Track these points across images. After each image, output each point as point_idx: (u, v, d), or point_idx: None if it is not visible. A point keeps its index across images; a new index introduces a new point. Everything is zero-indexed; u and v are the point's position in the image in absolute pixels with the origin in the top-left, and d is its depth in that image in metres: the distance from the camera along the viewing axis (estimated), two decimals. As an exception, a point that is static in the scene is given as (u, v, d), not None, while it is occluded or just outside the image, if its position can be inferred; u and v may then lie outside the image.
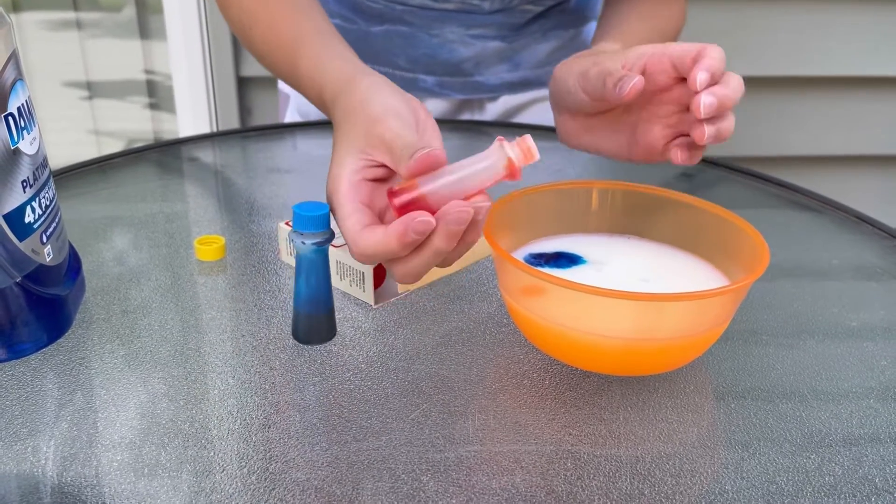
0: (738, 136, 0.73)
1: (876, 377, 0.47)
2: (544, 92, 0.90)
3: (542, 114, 0.90)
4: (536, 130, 0.84)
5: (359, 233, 0.43)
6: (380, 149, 0.45)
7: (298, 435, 0.40)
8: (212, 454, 0.39)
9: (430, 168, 0.43)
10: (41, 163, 0.45)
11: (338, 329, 0.49)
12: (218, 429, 0.41)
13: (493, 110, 0.90)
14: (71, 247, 0.51)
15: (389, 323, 0.50)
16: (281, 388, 0.44)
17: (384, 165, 0.46)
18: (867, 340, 0.51)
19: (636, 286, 0.48)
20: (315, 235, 0.45)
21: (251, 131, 0.87)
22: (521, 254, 0.52)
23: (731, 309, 0.45)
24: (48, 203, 0.46)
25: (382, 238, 0.42)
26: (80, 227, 0.61)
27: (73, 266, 0.50)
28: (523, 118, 0.91)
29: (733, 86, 0.49)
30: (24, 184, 0.43)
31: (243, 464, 0.38)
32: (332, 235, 0.46)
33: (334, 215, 0.46)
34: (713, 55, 0.49)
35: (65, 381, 0.44)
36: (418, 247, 0.43)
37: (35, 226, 0.44)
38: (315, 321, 0.47)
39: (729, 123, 0.50)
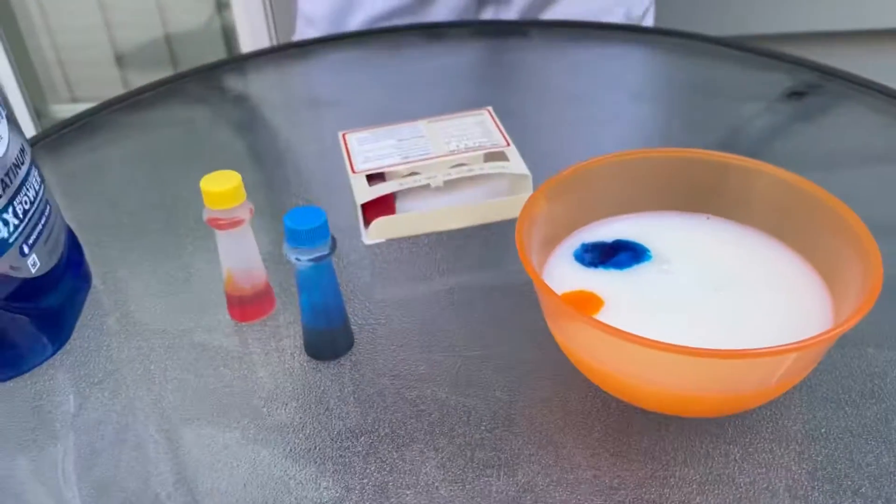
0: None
1: None
2: None
3: (576, 5, 0.77)
4: (567, 28, 0.72)
5: None
6: None
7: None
8: (227, 462, 0.36)
9: None
10: (13, 163, 0.40)
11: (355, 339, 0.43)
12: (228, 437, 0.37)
13: (520, 2, 0.77)
14: (70, 237, 0.46)
15: (405, 323, 0.44)
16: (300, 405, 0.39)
17: None
18: None
19: (706, 297, 0.39)
20: (313, 251, 0.38)
21: (310, 45, 0.79)
22: (573, 242, 0.43)
23: (821, 353, 0.35)
24: (27, 206, 0.41)
25: None
26: (101, 181, 0.57)
27: (73, 260, 0.46)
28: (555, 13, 0.78)
29: None
30: (-10, 197, 0.38)
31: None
32: (332, 247, 0.39)
33: None
34: None
35: (80, 388, 0.41)
36: None
37: (11, 240, 0.40)
38: (325, 336, 0.42)
39: None
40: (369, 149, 0.53)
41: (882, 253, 0.35)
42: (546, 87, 0.69)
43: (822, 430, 0.37)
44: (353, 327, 0.44)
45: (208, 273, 0.49)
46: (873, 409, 0.38)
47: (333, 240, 0.39)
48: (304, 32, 0.83)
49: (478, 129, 0.55)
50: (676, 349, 0.32)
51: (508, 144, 0.53)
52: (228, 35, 1.56)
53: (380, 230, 0.50)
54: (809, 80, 0.65)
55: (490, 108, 0.57)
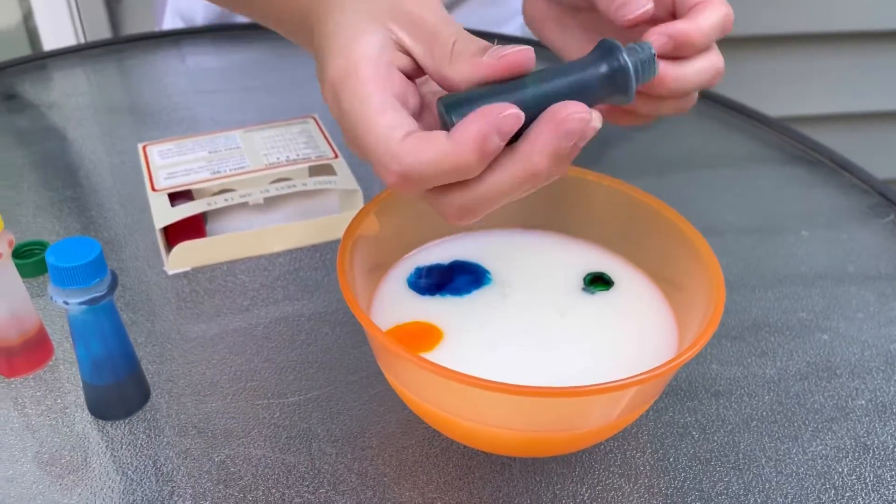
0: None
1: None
2: None
3: (482, 8, 0.73)
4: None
5: (402, 141, 0.28)
6: (410, 32, 0.30)
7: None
8: None
9: (507, 73, 0.28)
10: None
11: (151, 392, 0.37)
12: None
13: None
14: None
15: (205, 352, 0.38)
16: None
17: (410, 55, 0.30)
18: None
19: (550, 323, 0.36)
20: (85, 292, 0.31)
21: (122, 42, 0.70)
22: (408, 265, 0.39)
23: (662, 386, 0.33)
24: None
25: (447, 147, 0.27)
26: None
27: None
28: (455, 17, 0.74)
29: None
30: None
31: None
32: (112, 285, 0.32)
33: (347, 113, 0.29)
34: (709, 18, 0.33)
35: None
36: (496, 163, 0.28)
37: None
38: (111, 392, 0.35)
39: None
40: (174, 162, 0.46)
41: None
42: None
43: (671, 460, 0.35)
44: (149, 377, 0.37)
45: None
46: (719, 432, 0.36)
47: (113, 276, 0.32)
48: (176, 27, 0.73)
49: (302, 138, 0.49)
50: (511, 389, 0.28)
51: (336, 156, 0.48)
52: (34, 39, 1.40)
53: (183, 257, 0.43)
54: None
55: (316, 116, 0.52)
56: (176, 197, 0.44)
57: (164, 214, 0.42)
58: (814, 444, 0.36)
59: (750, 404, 0.38)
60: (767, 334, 0.42)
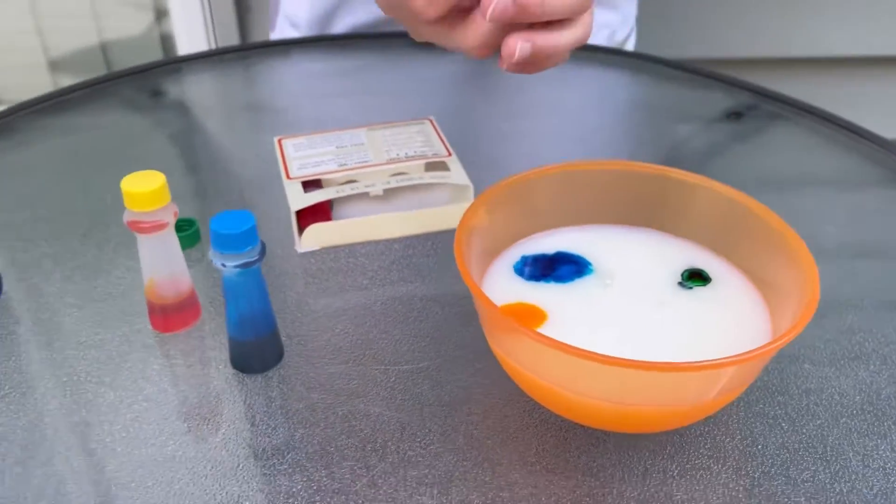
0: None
1: None
2: None
3: None
4: None
5: None
6: None
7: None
8: (143, 482, 0.33)
9: None
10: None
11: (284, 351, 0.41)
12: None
13: None
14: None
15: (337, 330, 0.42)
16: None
17: None
18: None
19: (648, 312, 0.39)
20: (240, 256, 0.36)
21: (247, 49, 0.76)
22: (514, 254, 0.42)
23: (759, 367, 0.35)
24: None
25: None
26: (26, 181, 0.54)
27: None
28: None
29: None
30: None
31: None
32: (261, 252, 0.37)
33: None
34: None
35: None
36: None
37: None
38: (253, 348, 0.40)
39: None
40: (306, 155, 0.52)
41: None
42: (493, 101, 0.68)
43: (759, 447, 0.37)
44: (282, 339, 0.42)
45: (129, 281, 0.46)
46: (809, 425, 0.38)
47: (262, 245, 0.37)
48: (284, 33, 0.80)
49: (419, 137, 0.53)
50: (616, 361, 0.31)
51: (450, 154, 0.52)
52: (167, 44, 1.52)
53: (314, 237, 0.48)
54: (747, 101, 0.66)
55: (432, 118, 0.56)
56: (306, 185, 0.49)
57: (299, 199, 0.47)
58: (904, 443, 0.37)
59: (840, 402, 0.39)
60: (862, 339, 0.43)
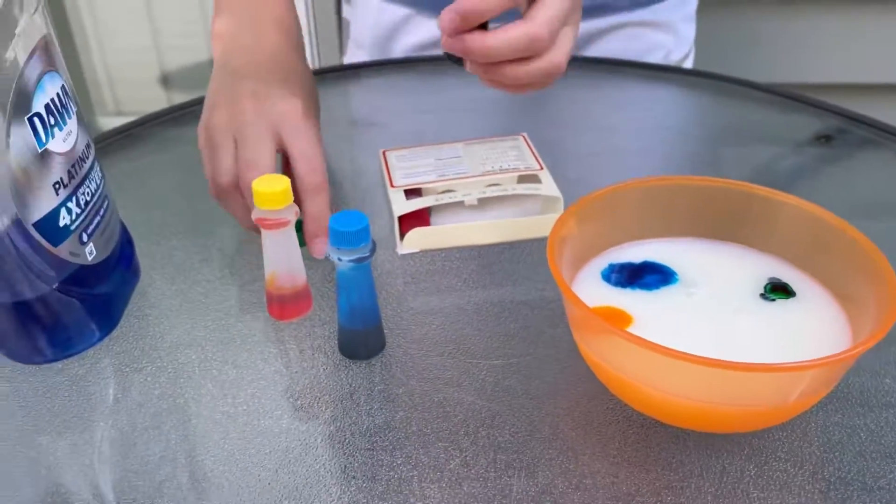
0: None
1: None
2: (625, 17, 0.78)
3: (618, 44, 0.79)
4: (608, 64, 0.74)
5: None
6: None
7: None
8: (260, 449, 0.37)
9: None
10: (80, 156, 0.43)
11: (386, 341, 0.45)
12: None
13: None
14: (123, 233, 0.49)
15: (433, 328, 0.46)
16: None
17: None
18: None
19: (730, 319, 0.41)
20: (354, 252, 0.40)
21: (337, 70, 0.82)
22: (601, 262, 0.45)
23: (839, 374, 0.37)
24: (90, 198, 0.44)
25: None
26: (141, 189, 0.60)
27: (125, 254, 0.49)
28: (598, 50, 0.80)
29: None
30: (57, 186, 0.41)
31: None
32: (372, 249, 0.41)
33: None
34: None
35: (123, 373, 0.43)
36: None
37: (73, 227, 0.42)
38: (360, 336, 0.44)
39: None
40: (408, 166, 0.56)
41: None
42: (582, 119, 0.71)
43: (836, 453, 0.38)
44: (385, 331, 0.46)
45: (249, 273, 0.51)
46: (888, 437, 0.39)
47: (373, 243, 0.41)
48: (354, 55, 0.87)
49: (513, 152, 0.57)
50: (703, 361, 0.33)
51: (542, 168, 0.55)
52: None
53: (415, 240, 0.52)
54: (837, 125, 0.66)
55: (525, 134, 0.59)
56: (408, 193, 0.54)
57: (402, 205, 0.52)
58: None
59: (922, 417, 0.40)
60: (947, 358, 0.43)
